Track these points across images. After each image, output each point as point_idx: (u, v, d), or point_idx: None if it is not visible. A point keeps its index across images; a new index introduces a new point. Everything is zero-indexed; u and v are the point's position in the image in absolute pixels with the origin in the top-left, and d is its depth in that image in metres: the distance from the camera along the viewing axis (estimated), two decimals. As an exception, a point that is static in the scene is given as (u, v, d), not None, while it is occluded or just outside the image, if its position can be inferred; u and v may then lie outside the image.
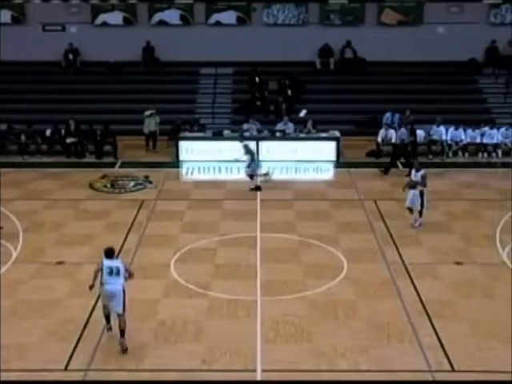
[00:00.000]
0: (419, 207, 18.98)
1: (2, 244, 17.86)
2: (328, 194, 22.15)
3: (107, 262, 13.26)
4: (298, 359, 12.80)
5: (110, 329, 13.60)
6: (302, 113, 27.81)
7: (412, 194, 18.95)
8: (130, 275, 13.53)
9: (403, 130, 25.61)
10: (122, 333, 13.14)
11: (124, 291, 13.18)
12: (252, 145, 23.84)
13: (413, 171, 19.46)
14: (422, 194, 18.91)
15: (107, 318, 13.61)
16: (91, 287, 13.39)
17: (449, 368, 12.50)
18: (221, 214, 20.15)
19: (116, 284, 13.14)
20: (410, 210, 19.20)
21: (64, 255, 17.21)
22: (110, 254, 13.43)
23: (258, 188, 22.11)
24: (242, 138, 24.32)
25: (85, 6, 31.39)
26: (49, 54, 30.74)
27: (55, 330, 13.79)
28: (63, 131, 26.64)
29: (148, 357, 12.89)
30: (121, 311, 13.17)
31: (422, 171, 19.13)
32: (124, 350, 12.99)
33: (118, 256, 14.42)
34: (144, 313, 14.48)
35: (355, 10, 31.60)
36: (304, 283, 15.83)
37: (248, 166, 22.61)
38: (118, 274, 13.16)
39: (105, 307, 13.54)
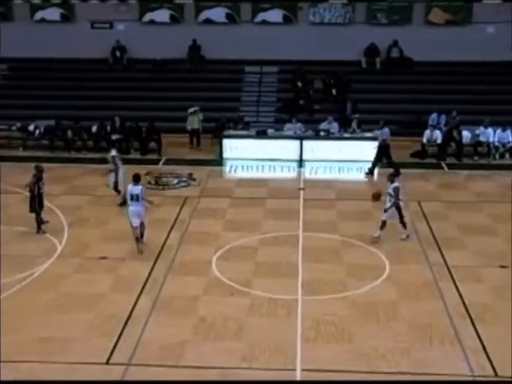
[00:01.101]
0: (397, 220, 18.12)
1: (47, 238, 18.15)
2: (371, 194, 21.91)
3: (131, 188, 17.08)
4: (338, 359, 12.73)
5: (141, 252, 17.09)
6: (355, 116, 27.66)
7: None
8: (149, 202, 17.55)
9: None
10: (142, 235, 17.26)
11: (145, 210, 17.26)
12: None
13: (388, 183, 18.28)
14: (397, 207, 17.97)
15: (137, 239, 17.19)
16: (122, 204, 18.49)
17: (491, 373, 12.31)
18: (263, 212, 20.16)
19: (137, 206, 17.04)
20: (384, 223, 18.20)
21: (107, 250, 17.39)
22: (136, 179, 17.09)
23: (123, 203, 18.94)
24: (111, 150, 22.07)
25: (133, 3, 31.69)
26: (96, 52, 31.12)
27: (97, 325, 13.94)
28: (109, 128, 26.96)
29: (188, 353, 12.95)
30: (143, 220, 17.25)
31: (396, 183, 18.11)
32: (141, 253, 16.94)
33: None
34: (185, 309, 14.56)
35: (402, 9, 31.33)
36: (345, 283, 15.75)
37: (114, 179, 20.98)
38: (137, 199, 16.95)
39: (134, 229, 17.14)
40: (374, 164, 24.21)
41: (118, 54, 31.56)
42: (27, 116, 28.29)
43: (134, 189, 17.02)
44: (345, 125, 26.56)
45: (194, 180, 23.30)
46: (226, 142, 26.03)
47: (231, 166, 25.28)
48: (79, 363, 12.61)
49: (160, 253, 17.39)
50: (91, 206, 20.82)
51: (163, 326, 13.96)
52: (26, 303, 14.82)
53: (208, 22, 31.76)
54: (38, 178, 18.47)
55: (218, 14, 31.74)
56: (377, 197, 18.40)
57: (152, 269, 16.45)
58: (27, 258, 16.85)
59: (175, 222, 19.52)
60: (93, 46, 30.97)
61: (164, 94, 30.23)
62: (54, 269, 16.54)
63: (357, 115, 27.03)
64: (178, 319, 14.17)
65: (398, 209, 18.05)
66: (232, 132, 26.73)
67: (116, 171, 20.93)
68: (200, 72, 31.25)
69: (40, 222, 18.50)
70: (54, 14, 31.89)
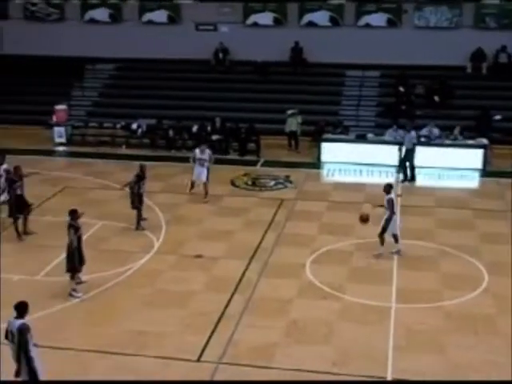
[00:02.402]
0: (391, 233, 17.19)
1: (145, 234, 18.55)
2: (472, 203, 21.40)
3: (197, 153, 21.30)
4: (430, 370, 12.46)
5: (192, 191, 21.34)
6: (497, 117, 27.04)
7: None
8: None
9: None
10: (206, 194, 21.06)
11: (208, 171, 21.12)
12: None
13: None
14: (388, 219, 17.04)
15: (192, 184, 21.45)
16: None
17: None
18: (358, 217, 19.85)
19: (201, 168, 21.17)
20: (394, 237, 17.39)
21: (203, 249, 17.61)
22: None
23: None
24: None
25: (237, 6, 32.03)
26: (200, 53, 31.57)
27: (190, 322, 14.15)
28: (209, 128, 27.32)
29: (278, 355, 12.96)
30: (205, 180, 21.11)
31: (391, 195, 17.24)
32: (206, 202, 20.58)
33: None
34: (277, 311, 14.58)
35: (513, 12, 30.36)
36: (441, 293, 15.38)
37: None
38: (202, 165, 21.01)
39: (194, 181, 21.42)
40: (412, 168, 23.71)
41: (220, 55, 31.96)
42: (131, 115, 29.06)
43: (200, 155, 21.47)
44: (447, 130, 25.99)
45: (291, 182, 23.32)
46: (325, 146, 25.92)
47: (329, 170, 25.15)
48: (171, 358, 12.82)
49: (254, 254, 17.49)
50: (189, 205, 21.14)
51: (255, 326, 14.02)
52: (122, 297, 15.20)
53: (311, 24, 31.71)
54: (140, 177, 18.90)
55: (322, 17, 31.63)
56: (365, 220, 17.33)
57: (246, 269, 16.56)
58: (125, 254, 17.29)
59: (271, 223, 19.58)
60: (196, 48, 31.47)
61: (264, 95, 30.40)
62: (151, 265, 16.89)
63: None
64: (269, 320, 14.20)
65: (387, 222, 17.09)
66: (331, 135, 26.61)
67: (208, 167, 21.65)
68: (301, 75, 31.27)
69: (140, 219, 18.93)
70: (161, 16, 32.63)
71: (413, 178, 23.68)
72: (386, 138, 25.89)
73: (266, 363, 12.70)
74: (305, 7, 31.72)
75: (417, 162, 24.27)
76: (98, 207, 19.94)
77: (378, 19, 31.30)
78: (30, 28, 33.10)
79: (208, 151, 21.69)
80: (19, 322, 10.63)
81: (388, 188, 17.44)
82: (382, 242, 17.20)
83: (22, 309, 10.72)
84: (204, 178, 21.46)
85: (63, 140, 28.09)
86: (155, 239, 18.31)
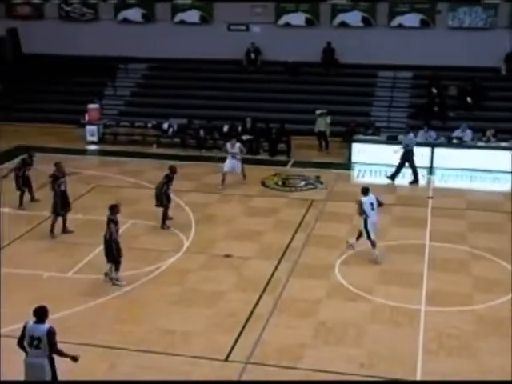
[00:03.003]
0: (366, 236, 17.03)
1: (175, 233, 18.59)
2: (505, 206, 21.13)
3: (228, 148, 22.50)
4: (460, 374, 12.33)
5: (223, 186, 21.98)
6: None
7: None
8: None
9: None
10: (244, 176, 22.39)
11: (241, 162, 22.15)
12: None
13: None
14: (364, 222, 16.84)
15: (224, 176, 21.95)
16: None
17: None
18: (389, 219, 19.76)
19: (234, 160, 22.13)
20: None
21: (232, 249, 17.61)
22: None
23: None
24: None
25: (270, 6, 32.00)
26: (231, 53, 31.63)
27: (219, 321, 14.16)
28: (240, 128, 27.32)
29: (306, 356, 12.91)
30: (239, 171, 22.24)
31: (362, 198, 16.96)
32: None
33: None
34: (305, 312, 14.54)
35: (551, 13, 29.92)
36: (472, 296, 15.21)
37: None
38: (234, 157, 22.30)
39: (226, 173, 22.00)
40: (398, 170, 23.51)
41: (252, 55, 31.96)
42: (162, 114, 29.18)
43: None
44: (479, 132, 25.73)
45: (322, 183, 23.23)
46: (355, 146, 25.79)
47: (359, 171, 25.01)
48: (199, 357, 12.84)
49: (284, 254, 17.45)
50: (219, 204, 21.17)
51: (283, 327, 13.99)
52: (151, 295, 15.26)
53: (343, 25, 31.58)
54: (169, 178, 18.97)
55: (354, 17, 31.47)
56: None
57: (275, 269, 16.53)
58: (155, 252, 17.35)
59: (300, 224, 19.52)
60: (228, 48, 31.51)
61: (295, 96, 30.33)
62: (180, 264, 16.93)
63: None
64: (298, 321, 14.16)
65: (364, 224, 16.96)
66: (362, 136, 26.47)
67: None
68: (332, 75, 31.16)
69: (165, 218, 18.99)
70: (193, 16, 32.72)
71: (392, 178, 23.58)
72: (418, 139, 25.65)
73: (294, 364, 12.66)
74: (337, 8, 31.60)
75: (451, 163, 24.09)
76: (128, 206, 20.02)
77: (411, 20, 31.05)
78: (64, 28, 33.41)
79: (238, 145, 22.85)
80: (45, 326, 10.57)
81: (364, 190, 17.35)
82: (372, 244, 17.03)
83: (42, 313, 10.66)
84: (239, 170, 22.72)
85: (95, 139, 28.30)
86: (185, 238, 18.35)
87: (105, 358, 12.83)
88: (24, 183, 20.48)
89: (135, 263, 16.54)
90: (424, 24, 31.00)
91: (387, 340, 13.43)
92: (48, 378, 10.66)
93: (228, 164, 22.47)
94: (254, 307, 14.68)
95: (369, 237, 16.96)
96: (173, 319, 14.22)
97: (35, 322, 10.62)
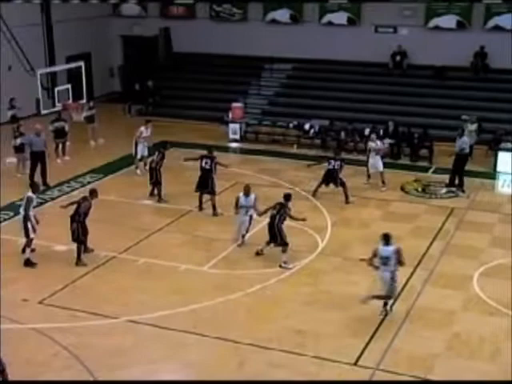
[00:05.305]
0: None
1: (311, 235, 18.61)
2: None
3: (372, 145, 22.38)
4: None
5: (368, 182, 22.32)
6: None
7: None
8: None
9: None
10: (383, 183, 22.19)
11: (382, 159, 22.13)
12: None
13: None
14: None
15: (369, 176, 22.27)
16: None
17: None
18: (535, 232, 18.91)
19: (377, 157, 22.21)
20: None
21: (367, 253, 17.26)
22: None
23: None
24: None
25: (420, 7, 31.39)
26: (377, 55, 31.22)
27: (350, 325, 14.08)
28: (382, 131, 26.95)
29: (438, 367, 12.61)
30: (381, 169, 21.95)
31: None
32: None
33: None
34: (439, 322, 14.21)
35: None
36: None
37: None
38: (377, 153, 22.08)
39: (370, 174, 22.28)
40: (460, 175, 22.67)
41: (398, 58, 31.46)
42: (304, 115, 29.27)
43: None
44: None
45: (464, 191, 22.52)
46: (502, 155, 24.83)
47: (505, 181, 24.05)
48: (328, 360, 12.82)
49: (420, 261, 17.10)
50: (356, 208, 20.99)
51: (415, 335, 13.74)
52: (284, 294, 15.39)
53: (497, 28, 30.31)
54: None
55: (510, 20, 30.15)
56: None
57: (410, 276, 16.22)
58: (290, 252, 17.37)
59: (439, 231, 19.05)
60: (374, 50, 31.15)
61: (440, 101, 29.56)
62: (315, 265, 16.96)
63: None
64: (431, 331, 13.85)
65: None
66: (510, 145, 25.45)
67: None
68: (482, 81, 30.15)
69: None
70: (341, 17, 32.61)
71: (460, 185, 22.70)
72: None
73: (425, 374, 12.39)
74: (491, 10, 30.50)
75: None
76: (267, 205, 20.24)
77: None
78: (214, 27, 34.27)
79: (379, 142, 22.90)
80: (393, 247, 14.13)
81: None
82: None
83: (389, 237, 14.18)
84: (380, 168, 22.37)
85: (237, 137, 28.80)
86: (320, 240, 18.35)
87: (234, 352, 13.05)
88: (158, 177, 21.07)
89: (269, 262, 16.74)
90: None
91: (526, 359, 12.87)
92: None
93: (370, 161, 22.65)
94: (387, 313, 14.48)
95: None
96: (304, 319, 14.26)
97: (384, 245, 14.11)
